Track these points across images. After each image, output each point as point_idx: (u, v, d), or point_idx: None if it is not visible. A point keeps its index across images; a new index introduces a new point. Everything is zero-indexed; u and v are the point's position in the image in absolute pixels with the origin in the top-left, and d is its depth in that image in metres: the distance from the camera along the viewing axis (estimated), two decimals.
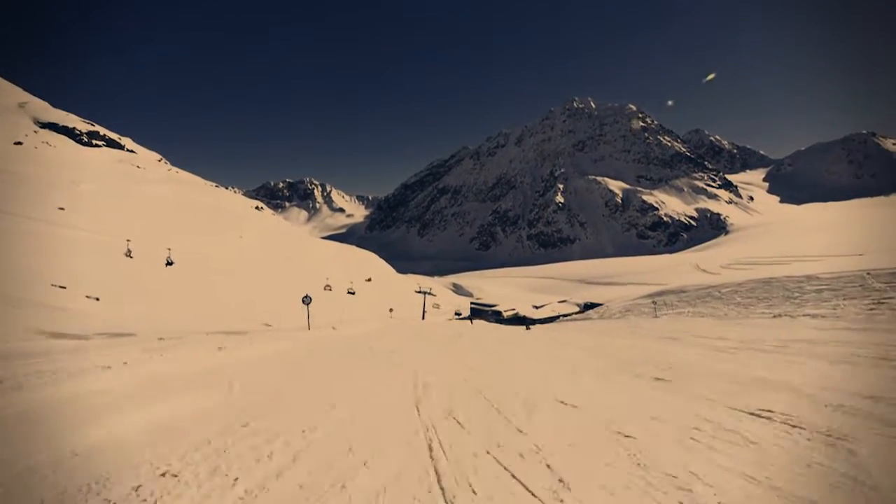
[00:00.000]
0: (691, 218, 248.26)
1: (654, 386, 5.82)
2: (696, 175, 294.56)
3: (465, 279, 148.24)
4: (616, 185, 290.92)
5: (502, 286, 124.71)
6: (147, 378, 5.92)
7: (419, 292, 54.33)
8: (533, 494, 3.04)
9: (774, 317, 12.70)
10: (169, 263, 30.32)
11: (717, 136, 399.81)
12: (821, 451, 3.37)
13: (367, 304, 48.56)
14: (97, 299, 16.38)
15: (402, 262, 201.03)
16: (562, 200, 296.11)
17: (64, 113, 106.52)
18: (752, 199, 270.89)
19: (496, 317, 51.89)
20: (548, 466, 3.43)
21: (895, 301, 10.97)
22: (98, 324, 12.25)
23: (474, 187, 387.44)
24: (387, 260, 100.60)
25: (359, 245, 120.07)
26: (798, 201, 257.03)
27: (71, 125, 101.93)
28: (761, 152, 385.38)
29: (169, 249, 32.03)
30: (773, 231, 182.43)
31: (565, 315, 45.85)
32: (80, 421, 4.11)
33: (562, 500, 2.93)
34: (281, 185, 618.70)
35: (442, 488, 3.18)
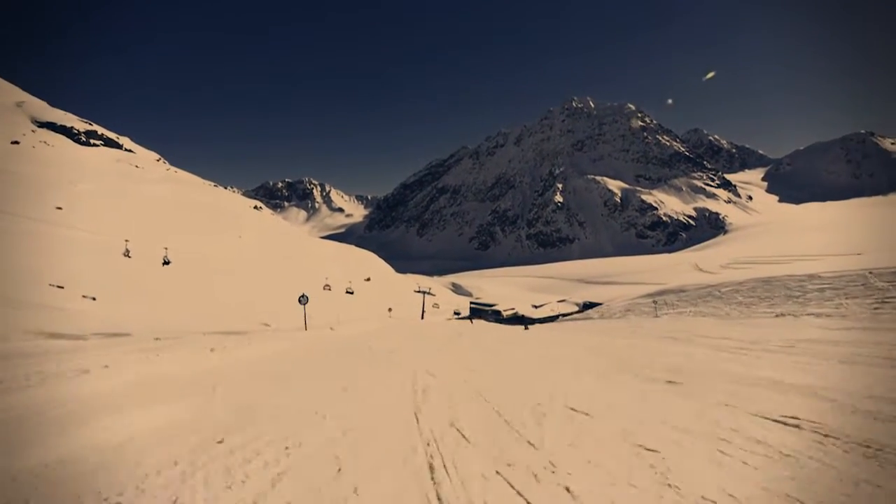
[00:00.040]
0: (690, 217, 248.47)
1: (665, 389, 5.53)
2: (694, 174, 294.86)
3: (465, 279, 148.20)
4: (615, 185, 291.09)
5: (501, 286, 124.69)
6: (125, 384, 5.46)
7: (418, 292, 54.19)
8: None
9: (777, 316, 12.62)
10: (166, 263, 30.16)
11: (716, 136, 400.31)
12: (862, 465, 3.07)
13: (367, 303, 48.43)
14: (94, 299, 16.25)
15: (402, 261, 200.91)
16: (561, 200, 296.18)
17: (62, 112, 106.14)
18: (750, 198, 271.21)
19: (495, 316, 51.82)
20: (567, 490, 3.04)
21: None
22: (95, 324, 12.12)
23: (473, 187, 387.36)
24: (386, 260, 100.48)
25: (358, 245, 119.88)
26: (797, 201, 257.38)
27: (69, 124, 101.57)
28: (760, 152, 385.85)
29: (166, 249, 31.87)
30: (772, 230, 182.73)
31: (565, 314, 45.79)
32: (32, 437, 3.58)
33: None
34: (280, 184, 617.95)
35: None
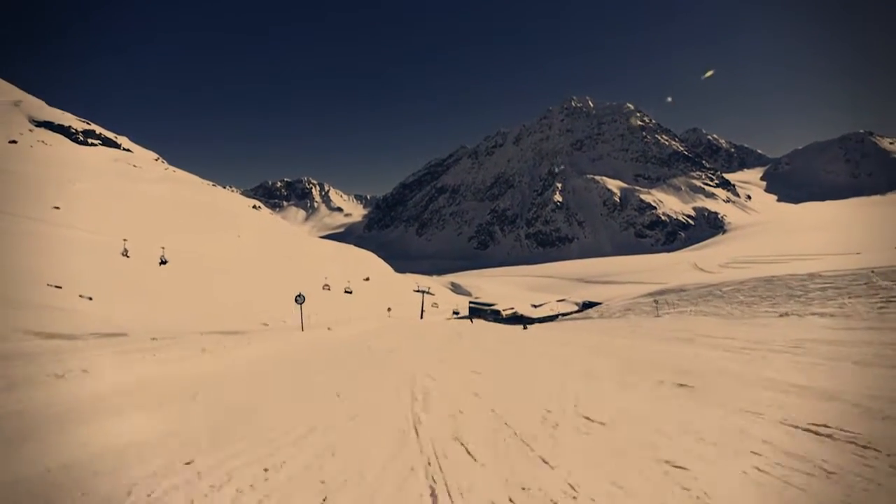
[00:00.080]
0: (689, 217, 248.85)
1: (679, 393, 5.21)
2: (693, 174, 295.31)
3: (464, 278, 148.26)
4: (614, 184, 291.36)
5: (501, 285, 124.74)
6: (100, 390, 5.03)
7: (417, 291, 54.13)
8: None
9: (780, 315, 12.53)
10: (163, 262, 30.01)
11: (715, 135, 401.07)
12: None
13: (366, 303, 48.34)
14: (90, 299, 16.10)
15: (401, 261, 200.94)
16: (560, 199, 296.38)
17: (59, 111, 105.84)
18: (749, 197, 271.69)
19: (495, 316, 51.70)
20: None
21: None
22: (92, 324, 11.98)
23: (472, 186, 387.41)
24: (385, 259, 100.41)
25: (357, 244, 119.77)
26: (795, 200, 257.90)
27: (66, 123, 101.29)
28: (759, 151, 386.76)
29: (163, 248, 31.72)
30: (771, 230, 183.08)
31: (564, 314, 45.68)
32: None
33: None
34: (279, 184, 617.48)
35: None
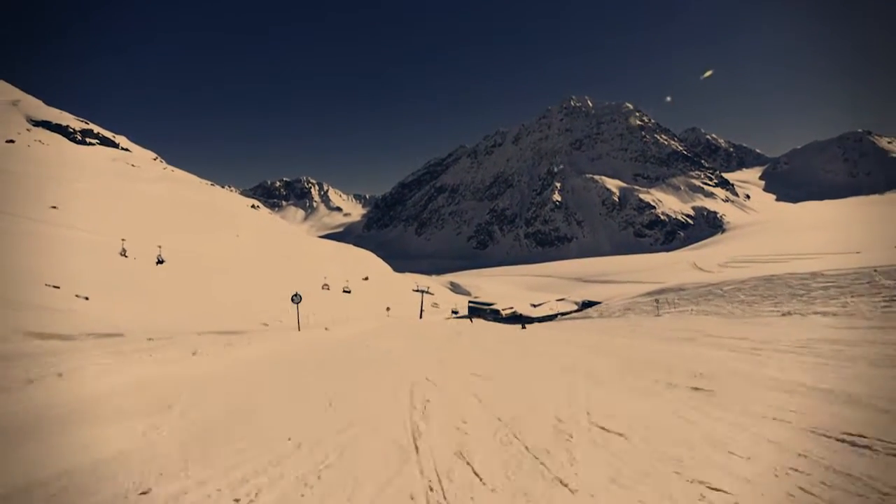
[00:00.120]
0: (688, 216, 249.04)
1: (695, 398, 4.89)
2: (692, 173, 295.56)
3: (463, 278, 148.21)
4: (613, 184, 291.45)
5: (500, 284, 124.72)
6: (72, 397, 4.57)
7: (417, 291, 54.02)
8: None
9: (783, 315, 12.44)
10: (159, 262, 29.86)
11: (714, 135, 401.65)
12: None
13: (365, 303, 48.21)
14: (86, 298, 15.96)
15: (400, 260, 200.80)
16: (559, 199, 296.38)
17: (57, 111, 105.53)
18: (748, 197, 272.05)
19: (494, 315, 51.63)
20: None
21: None
22: (88, 324, 11.85)
23: (472, 186, 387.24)
24: (384, 259, 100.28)
25: (356, 244, 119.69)
26: (794, 199, 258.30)
27: (64, 123, 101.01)
28: (757, 151, 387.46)
29: (159, 247, 31.57)
30: (770, 229, 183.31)
31: (564, 313, 45.61)
32: None
33: None
34: (278, 183, 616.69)
35: None
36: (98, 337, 9.32)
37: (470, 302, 61.80)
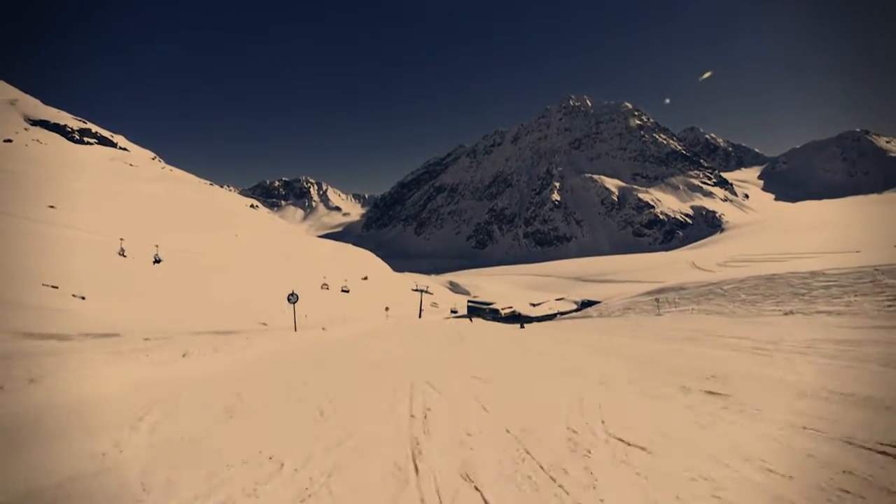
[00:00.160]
0: (687, 216, 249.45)
1: (712, 403, 4.59)
2: (691, 173, 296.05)
3: (462, 277, 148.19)
4: (612, 183, 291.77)
5: (499, 284, 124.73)
6: (37, 406, 4.06)
7: (416, 290, 53.96)
8: None
9: (786, 314, 12.36)
10: (157, 261, 29.75)
11: (713, 134, 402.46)
12: None
13: (364, 302, 48.13)
14: (83, 298, 15.84)
15: (399, 260, 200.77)
16: (558, 198, 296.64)
17: (55, 110, 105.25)
18: (747, 196, 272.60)
19: (493, 315, 51.61)
20: None
21: None
22: (85, 324, 11.73)
23: (471, 185, 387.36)
24: (383, 258, 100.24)
25: (355, 244, 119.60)
26: (793, 199, 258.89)
27: (62, 122, 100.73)
28: (756, 150, 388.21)
29: (156, 246, 31.47)
30: (768, 228, 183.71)
31: (563, 313, 45.57)
32: None
33: None
34: (277, 183, 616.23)
35: None
36: (94, 337, 9.20)
37: (469, 301, 61.77)
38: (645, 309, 24.46)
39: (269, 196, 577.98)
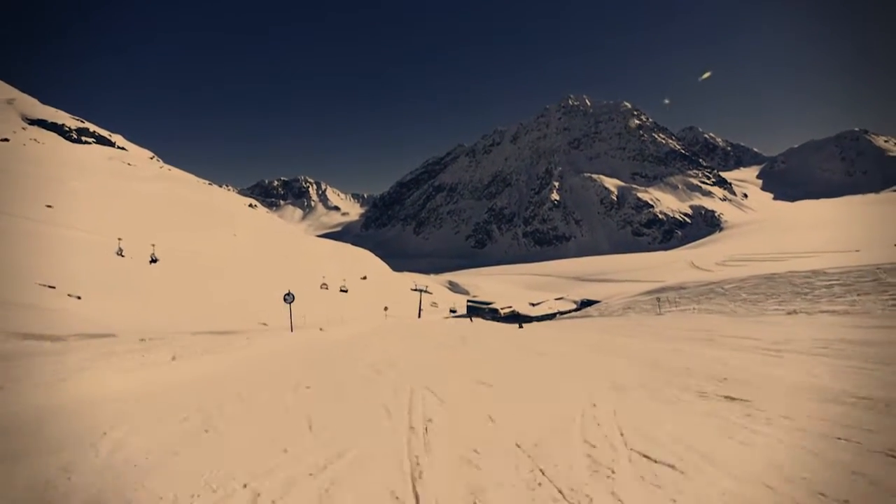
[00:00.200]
0: (686, 215, 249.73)
1: (734, 410, 4.24)
2: (690, 172, 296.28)
3: (462, 277, 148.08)
4: (611, 183, 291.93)
5: (498, 283, 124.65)
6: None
7: (415, 290, 53.82)
8: None
9: (789, 314, 12.26)
10: (153, 261, 29.59)
11: (711, 134, 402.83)
12: None
13: (363, 302, 48.00)
14: (78, 298, 15.70)
15: (398, 260, 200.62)
16: (557, 198, 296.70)
17: (53, 109, 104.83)
18: (745, 196, 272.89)
19: (493, 314, 51.51)
20: None
21: None
22: (82, 324, 11.60)
23: (470, 185, 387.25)
24: (382, 258, 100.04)
25: (354, 243, 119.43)
26: (791, 198, 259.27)
27: (60, 121, 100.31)
28: (755, 149, 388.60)
29: (153, 246, 31.29)
30: (767, 228, 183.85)
31: (562, 312, 45.49)
32: None
33: None
34: (276, 183, 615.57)
35: None
36: (89, 337, 9.07)
37: (469, 301, 61.67)
38: (645, 308, 24.36)
39: (267, 196, 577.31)
